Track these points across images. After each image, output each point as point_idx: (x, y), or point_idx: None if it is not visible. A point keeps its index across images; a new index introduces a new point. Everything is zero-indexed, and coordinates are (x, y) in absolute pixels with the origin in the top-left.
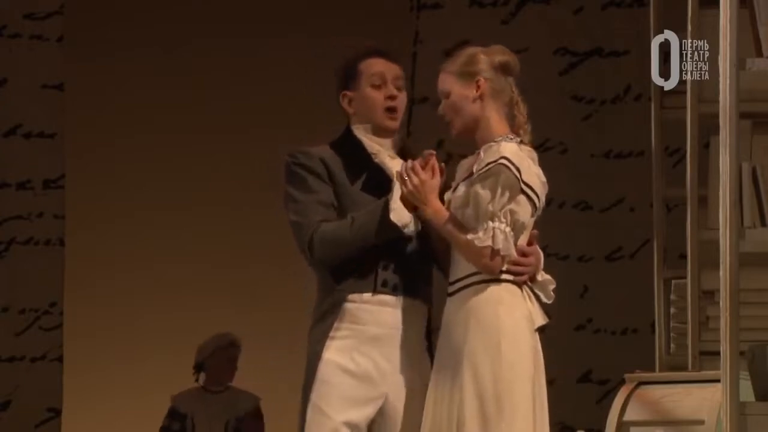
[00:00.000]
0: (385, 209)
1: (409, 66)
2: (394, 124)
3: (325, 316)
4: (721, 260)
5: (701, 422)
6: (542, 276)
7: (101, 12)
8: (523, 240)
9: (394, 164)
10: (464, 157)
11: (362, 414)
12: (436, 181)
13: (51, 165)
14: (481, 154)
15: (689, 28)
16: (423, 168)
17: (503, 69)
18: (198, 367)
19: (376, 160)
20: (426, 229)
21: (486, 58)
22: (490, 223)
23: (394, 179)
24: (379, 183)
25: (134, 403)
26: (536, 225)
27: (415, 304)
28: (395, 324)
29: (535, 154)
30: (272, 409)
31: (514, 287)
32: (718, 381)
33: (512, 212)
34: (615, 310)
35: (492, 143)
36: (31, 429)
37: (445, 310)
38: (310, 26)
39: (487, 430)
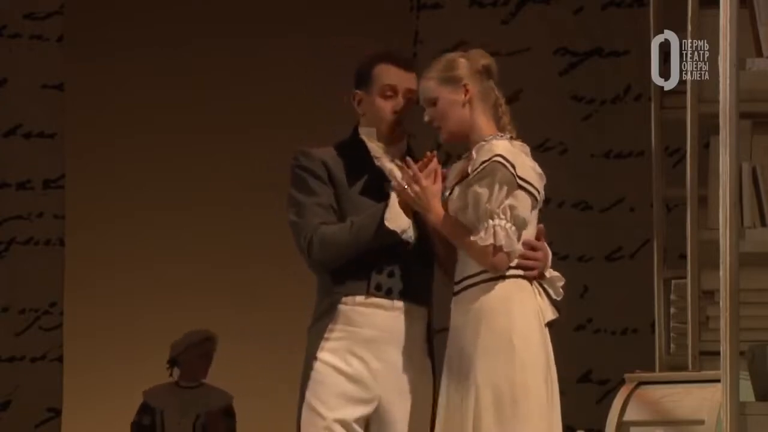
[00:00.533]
0: (383, 216)
1: None
2: (400, 137)
3: (322, 317)
4: (721, 260)
5: (701, 422)
6: (550, 273)
7: (101, 12)
8: (530, 235)
9: (395, 169)
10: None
11: (356, 413)
12: (438, 186)
13: (51, 165)
14: (474, 154)
15: (689, 28)
16: (422, 170)
17: (486, 72)
18: (171, 363)
19: (378, 164)
20: (425, 233)
21: (468, 63)
22: (491, 222)
23: (391, 185)
24: (379, 187)
25: (134, 403)
26: (540, 220)
27: (413, 308)
28: (390, 327)
29: (527, 148)
30: (272, 409)
31: (523, 282)
32: (718, 381)
33: (511, 208)
34: (615, 310)
35: (483, 143)
36: (31, 429)
37: (452, 310)
38: (310, 26)
39: None
